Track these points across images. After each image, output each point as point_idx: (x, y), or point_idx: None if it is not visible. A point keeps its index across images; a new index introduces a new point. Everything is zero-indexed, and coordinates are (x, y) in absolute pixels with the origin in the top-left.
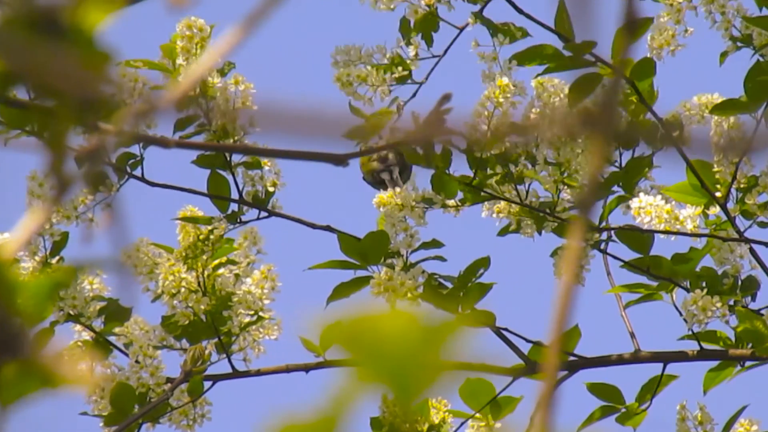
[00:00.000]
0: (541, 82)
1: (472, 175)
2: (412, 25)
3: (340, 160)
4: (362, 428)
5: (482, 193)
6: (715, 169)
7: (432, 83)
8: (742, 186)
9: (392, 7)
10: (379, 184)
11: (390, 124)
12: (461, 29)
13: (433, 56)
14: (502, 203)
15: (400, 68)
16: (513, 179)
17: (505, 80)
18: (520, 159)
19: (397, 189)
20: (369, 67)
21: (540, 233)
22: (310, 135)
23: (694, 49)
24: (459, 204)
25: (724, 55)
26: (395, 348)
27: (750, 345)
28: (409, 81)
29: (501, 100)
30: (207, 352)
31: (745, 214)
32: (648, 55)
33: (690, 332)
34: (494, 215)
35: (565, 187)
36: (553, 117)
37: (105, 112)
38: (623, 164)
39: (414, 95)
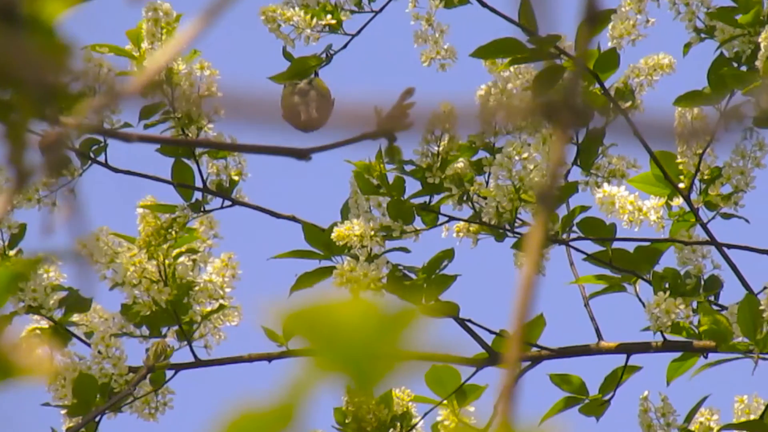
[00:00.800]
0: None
1: (427, 199)
2: None
3: (302, 155)
4: (326, 418)
5: (440, 216)
6: (679, 160)
7: (366, 38)
8: (705, 177)
9: None
10: (295, 117)
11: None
12: None
13: (372, 11)
14: (461, 223)
15: (329, 16)
16: (470, 198)
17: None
18: (474, 178)
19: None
20: (297, 9)
21: (501, 241)
22: (275, 122)
23: (659, 40)
24: (417, 229)
25: (687, 46)
26: (353, 337)
27: (710, 352)
28: (340, 32)
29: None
30: (169, 346)
31: (709, 205)
32: (609, 45)
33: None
34: (454, 235)
35: (521, 202)
36: (512, 106)
37: (65, 101)
38: (579, 141)
39: (345, 46)
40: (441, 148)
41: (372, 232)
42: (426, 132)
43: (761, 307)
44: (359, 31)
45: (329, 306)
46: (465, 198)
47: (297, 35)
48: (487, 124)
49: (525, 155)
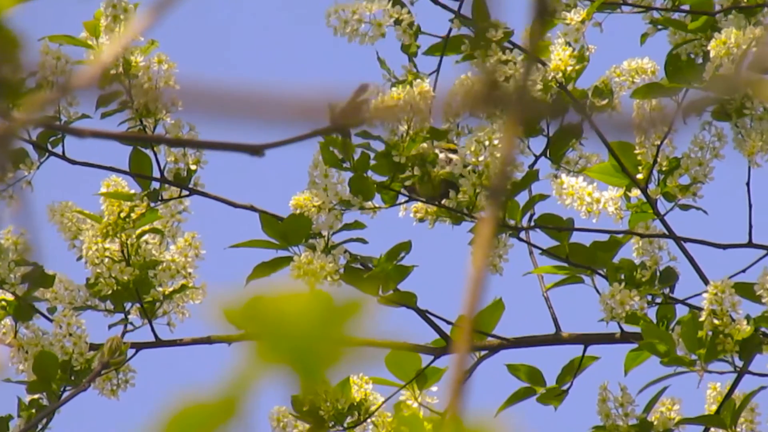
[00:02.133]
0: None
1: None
2: None
3: (256, 151)
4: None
5: (400, 196)
6: (637, 151)
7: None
8: (664, 168)
9: None
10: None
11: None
12: None
13: None
14: (419, 204)
15: None
16: (431, 180)
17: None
18: (437, 160)
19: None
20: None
21: (458, 224)
22: (232, 115)
23: (618, 30)
24: (376, 206)
25: (644, 36)
26: (298, 326)
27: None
28: None
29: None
30: (124, 344)
31: (667, 196)
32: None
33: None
34: (412, 215)
35: (483, 188)
36: (468, 95)
37: (17, 95)
38: (550, 134)
39: None
40: (409, 128)
41: (331, 204)
42: (394, 120)
43: (701, 319)
44: None
45: (275, 296)
46: (426, 179)
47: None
48: (451, 110)
49: (495, 142)
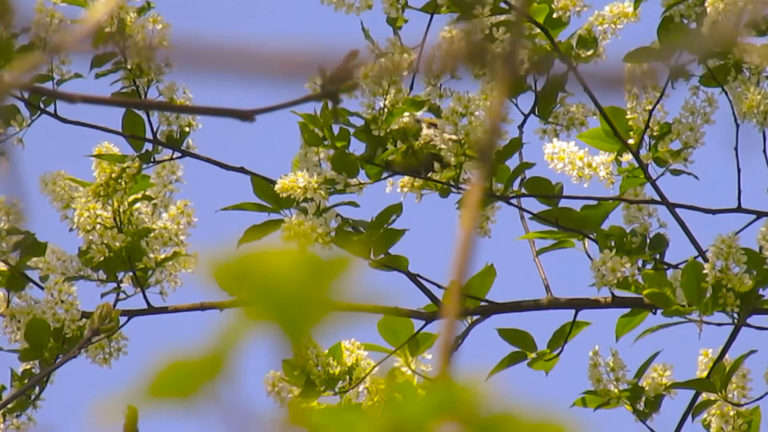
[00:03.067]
0: (450, 32)
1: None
2: None
3: (246, 116)
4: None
5: (384, 170)
6: (629, 116)
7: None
8: (655, 133)
9: None
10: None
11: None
12: None
13: None
14: (405, 178)
15: None
16: (415, 153)
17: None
18: (420, 132)
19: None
20: None
21: (446, 197)
22: (224, 71)
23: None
24: (362, 183)
25: (638, 1)
26: (283, 284)
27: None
28: None
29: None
30: (114, 311)
31: (658, 161)
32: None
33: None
34: (398, 190)
35: (467, 157)
36: (453, 53)
37: (7, 53)
38: (537, 90)
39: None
40: (387, 101)
41: (316, 185)
42: (374, 83)
43: (704, 271)
44: None
45: (264, 255)
46: (410, 152)
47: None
48: (431, 72)
49: (472, 110)
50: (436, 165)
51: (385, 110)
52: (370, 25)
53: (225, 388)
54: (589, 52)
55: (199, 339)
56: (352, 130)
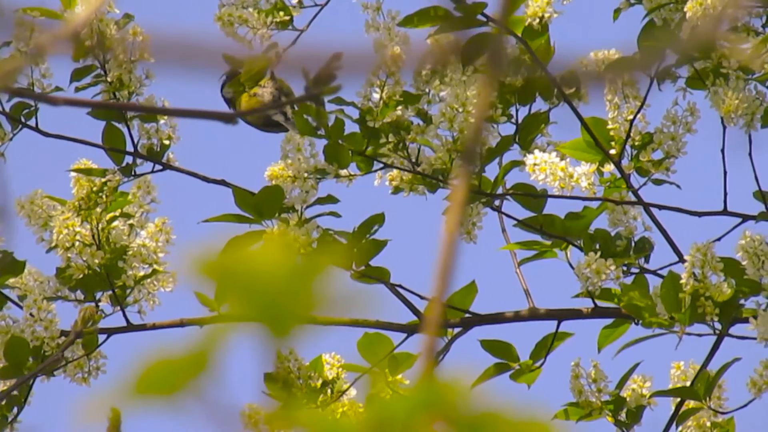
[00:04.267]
0: (436, 39)
1: (364, 144)
2: None
3: (229, 119)
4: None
5: (375, 163)
6: (610, 126)
7: (313, 31)
8: (636, 143)
9: None
10: (270, 126)
11: (268, 73)
12: None
13: (316, 5)
14: (395, 171)
15: (281, 13)
16: (405, 147)
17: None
18: (411, 126)
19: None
20: (251, 9)
21: (434, 192)
22: (205, 69)
23: (589, 3)
24: (351, 174)
25: (617, 11)
26: (268, 283)
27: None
28: (290, 27)
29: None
30: (98, 312)
31: (640, 171)
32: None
33: (585, 290)
34: (387, 183)
35: (458, 154)
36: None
37: None
38: (519, 120)
39: (294, 42)
40: (383, 93)
41: (306, 174)
42: (371, 75)
43: (682, 281)
44: (308, 25)
45: (245, 255)
46: (401, 146)
47: (253, 36)
48: (421, 75)
49: (469, 108)
50: (426, 159)
51: (381, 102)
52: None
53: (210, 386)
54: (572, 90)
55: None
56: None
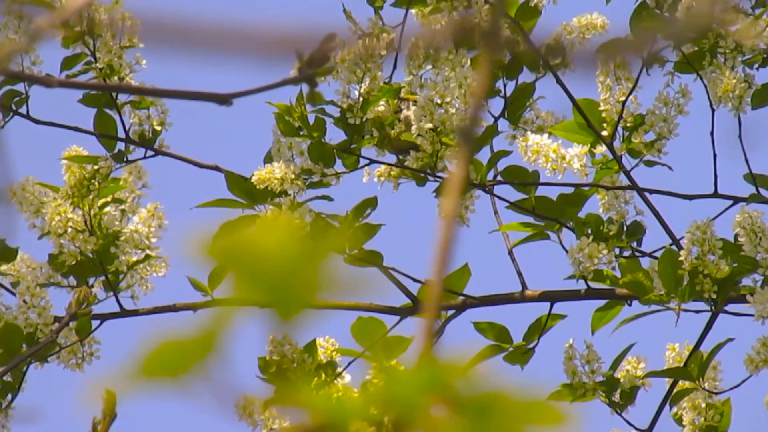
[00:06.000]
0: (424, 14)
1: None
2: None
3: (224, 100)
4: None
5: (361, 160)
6: (602, 107)
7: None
8: (628, 125)
9: None
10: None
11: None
12: None
13: None
14: (382, 167)
15: None
16: (390, 142)
17: None
18: (395, 122)
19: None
20: None
21: (423, 185)
22: (206, 55)
23: None
24: (338, 172)
25: None
26: (272, 266)
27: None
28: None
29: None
30: (92, 294)
31: (632, 152)
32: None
33: (578, 273)
34: (375, 179)
35: (443, 146)
36: (434, 32)
37: None
38: (507, 95)
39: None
40: (362, 89)
41: (293, 176)
42: (348, 70)
43: (680, 259)
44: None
45: (250, 236)
46: (386, 141)
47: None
48: (411, 62)
49: (448, 99)
50: (412, 153)
51: (360, 98)
52: (350, 5)
53: (216, 368)
54: (558, 60)
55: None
56: (328, 120)
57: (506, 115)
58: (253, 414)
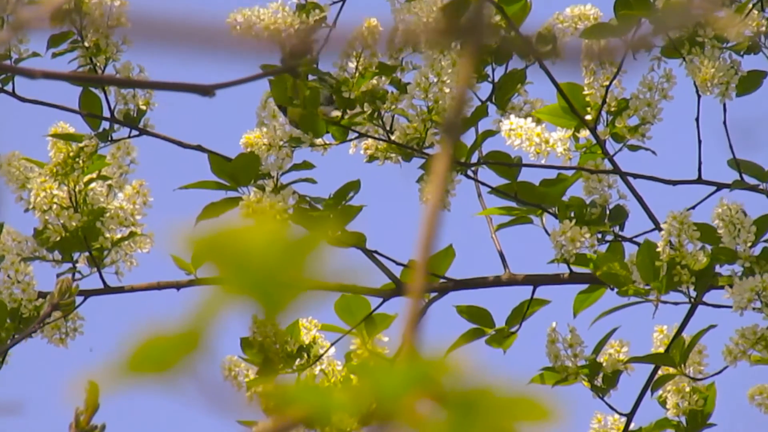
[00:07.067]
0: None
1: (339, 113)
2: None
3: (206, 91)
4: (233, 348)
5: (350, 133)
6: (586, 92)
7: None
8: (612, 109)
9: None
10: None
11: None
12: None
13: None
14: (370, 140)
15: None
16: (380, 117)
17: None
18: (387, 96)
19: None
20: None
21: (408, 161)
22: (186, 47)
23: None
24: (327, 143)
25: None
26: (260, 261)
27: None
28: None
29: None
30: (75, 285)
31: (615, 137)
32: None
33: (560, 257)
34: (362, 152)
35: (433, 123)
36: (422, 26)
37: None
38: (496, 80)
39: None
40: (359, 63)
41: (281, 142)
42: (347, 46)
43: (658, 250)
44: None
45: (236, 232)
46: (376, 116)
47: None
48: (395, 44)
49: (444, 78)
50: (401, 128)
51: (357, 73)
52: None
53: (202, 363)
54: (548, 48)
55: (173, 316)
56: (325, 93)
57: (494, 100)
58: (238, 376)
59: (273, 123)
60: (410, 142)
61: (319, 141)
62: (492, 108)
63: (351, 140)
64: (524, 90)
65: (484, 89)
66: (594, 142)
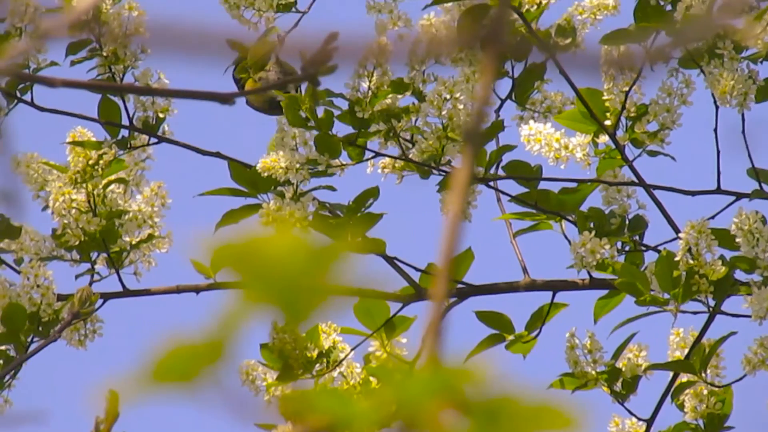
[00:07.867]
0: (429, 20)
1: (355, 133)
2: None
3: (226, 100)
4: (252, 353)
5: (367, 152)
6: (605, 97)
7: (315, 13)
8: (631, 114)
9: None
10: (275, 109)
11: (273, 57)
12: None
13: None
14: (387, 159)
15: None
16: (397, 135)
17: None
18: (402, 115)
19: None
20: None
21: (426, 178)
22: (201, 57)
23: None
24: (344, 164)
25: None
26: (283, 270)
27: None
28: (293, 10)
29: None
30: (94, 293)
31: (635, 142)
32: None
33: (580, 267)
34: (379, 171)
35: (449, 141)
36: (441, 38)
37: None
38: (515, 76)
39: (296, 25)
40: (372, 83)
41: (298, 165)
42: (359, 65)
43: (676, 259)
44: (309, 7)
45: (259, 240)
46: (392, 134)
47: (258, 18)
48: (416, 57)
49: (457, 95)
50: (417, 146)
51: (370, 92)
52: (357, 6)
53: (226, 372)
54: (568, 41)
55: (176, 325)
56: (336, 113)
57: (514, 97)
58: (256, 380)
59: (289, 148)
60: (427, 159)
61: (335, 162)
62: (512, 106)
63: (368, 159)
64: (543, 87)
65: (504, 85)
66: (613, 147)
